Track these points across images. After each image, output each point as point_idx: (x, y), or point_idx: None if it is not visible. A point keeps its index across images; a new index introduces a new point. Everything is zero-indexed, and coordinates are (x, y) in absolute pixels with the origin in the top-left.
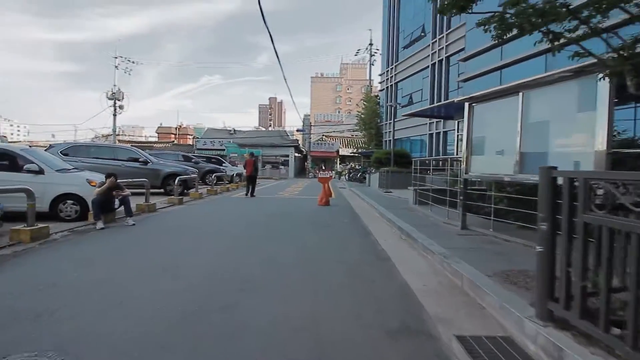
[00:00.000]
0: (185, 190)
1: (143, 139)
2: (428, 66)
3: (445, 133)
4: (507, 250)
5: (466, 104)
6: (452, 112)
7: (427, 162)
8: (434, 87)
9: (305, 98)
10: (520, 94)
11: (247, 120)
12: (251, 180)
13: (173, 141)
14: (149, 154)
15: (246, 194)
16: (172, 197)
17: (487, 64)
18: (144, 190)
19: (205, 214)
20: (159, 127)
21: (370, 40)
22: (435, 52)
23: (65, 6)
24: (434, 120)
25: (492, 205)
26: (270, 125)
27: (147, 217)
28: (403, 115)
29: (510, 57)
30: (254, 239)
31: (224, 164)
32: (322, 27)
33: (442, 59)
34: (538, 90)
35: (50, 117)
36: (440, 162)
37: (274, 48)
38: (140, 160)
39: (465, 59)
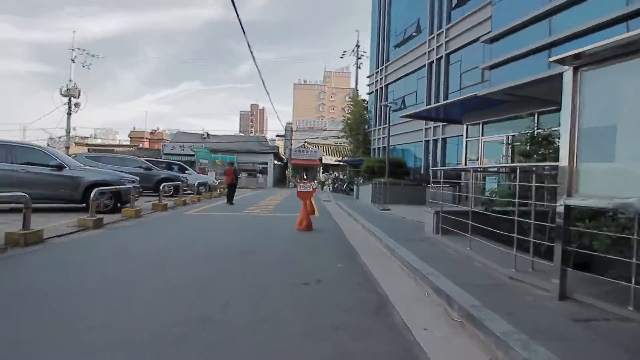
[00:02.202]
0: (120, 205)
1: (117, 143)
2: (424, 65)
3: (444, 140)
4: None
5: (568, 70)
6: (460, 113)
7: (462, 172)
8: (430, 88)
9: (288, 107)
10: None
11: (228, 127)
12: (232, 188)
13: (138, 145)
14: (92, 157)
15: (227, 202)
16: (86, 218)
17: (523, 44)
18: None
19: (116, 251)
20: (131, 132)
21: (357, 41)
22: (433, 49)
23: (39, 5)
24: (431, 125)
25: (635, 260)
26: (251, 132)
27: (14, 256)
28: (401, 117)
29: (564, 31)
30: (151, 349)
31: (187, 171)
32: (307, 35)
33: (441, 57)
34: None
35: (14, 118)
36: (484, 174)
37: (254, 59)
38: (51, 164)
39: (493, 40)
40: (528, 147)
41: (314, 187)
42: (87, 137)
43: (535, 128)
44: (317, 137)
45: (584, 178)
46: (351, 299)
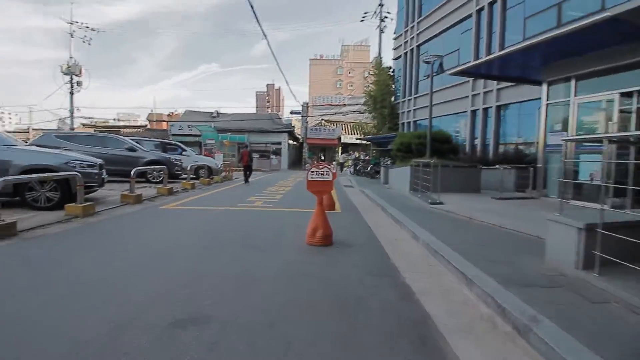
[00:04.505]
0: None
1: (138, 124)
2: (471, 14)
3: (499, 108)
4: None
5: None
6: (540, 65)
7: None
8: (479, 43)
9: (305, 87)
10: None
11: (244, 109)
12: (247, 169)
13: (146, 126)
14: (63, 136)
15: (245, 181)
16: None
17: None
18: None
19: None
20: (149, 114)
21: (381, 0)
22: None
23: None
24: (480, 90)
25: None
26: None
27: None
28: (451, 74)
29: None
30: None
31: (184, 153)
32: (322, 10)
33: (496, 0)
34: None
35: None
36: None
37: (264, 35)
38: None
39: None
40: None
41: (334, 172)
42: (108, 120)
43: None
44: (335, 114)
45: None
46: None
